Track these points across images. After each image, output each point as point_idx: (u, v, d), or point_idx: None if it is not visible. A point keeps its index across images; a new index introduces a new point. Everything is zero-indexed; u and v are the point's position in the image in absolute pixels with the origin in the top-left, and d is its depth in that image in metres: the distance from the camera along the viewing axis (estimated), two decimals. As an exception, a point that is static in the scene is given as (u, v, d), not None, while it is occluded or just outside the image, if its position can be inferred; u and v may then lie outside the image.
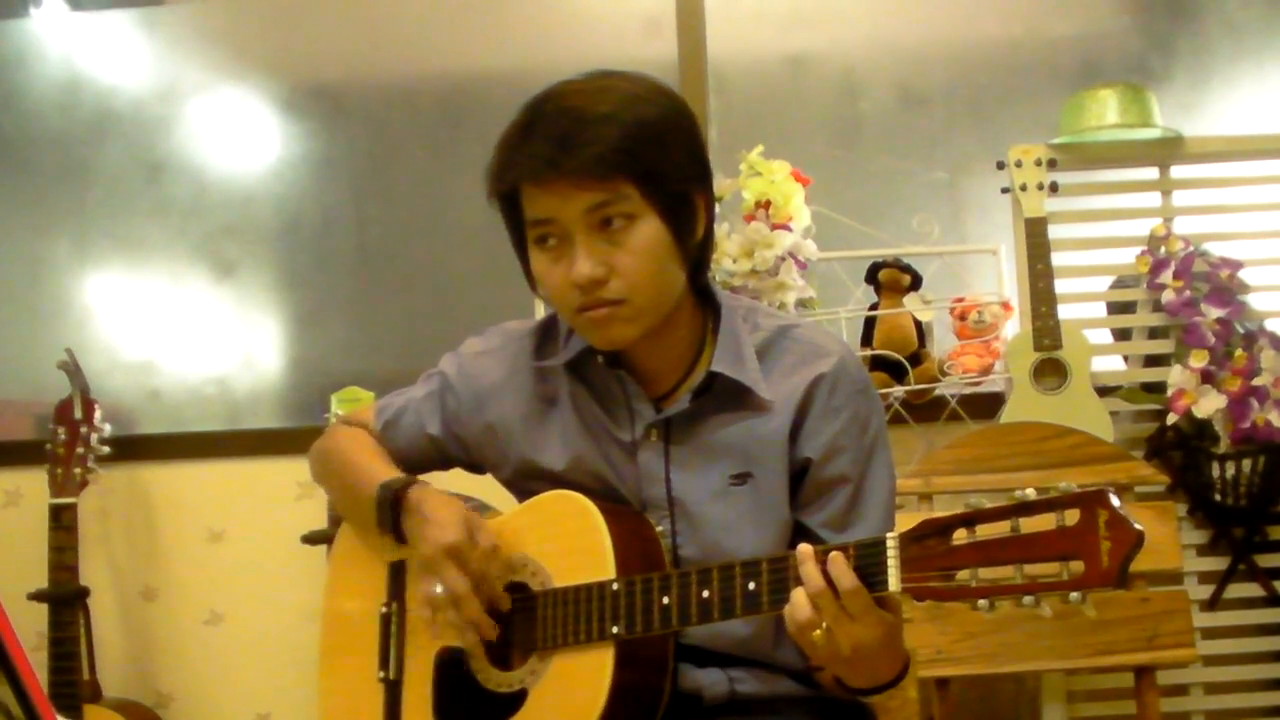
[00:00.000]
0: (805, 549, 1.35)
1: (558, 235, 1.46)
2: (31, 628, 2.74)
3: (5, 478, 3.04)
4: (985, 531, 1.24)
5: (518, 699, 1.52)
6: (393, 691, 1.64)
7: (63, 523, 2.73)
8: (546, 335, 1.66)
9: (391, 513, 1.59)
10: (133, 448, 2.98)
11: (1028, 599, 1.21)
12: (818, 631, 1.33)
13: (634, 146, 1.43)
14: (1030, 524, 1.21)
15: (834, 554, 1.32)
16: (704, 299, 1.59)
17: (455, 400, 1.68)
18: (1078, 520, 1.19)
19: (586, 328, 1.51)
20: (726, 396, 1.54)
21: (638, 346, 1.53)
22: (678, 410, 1.54)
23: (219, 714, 3.00)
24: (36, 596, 2.70)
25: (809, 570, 1.33)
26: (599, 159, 1.41)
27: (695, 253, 1.53)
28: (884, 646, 1.37)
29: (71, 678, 2.68)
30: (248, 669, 2.98)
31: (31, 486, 2.93)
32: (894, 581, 1.29)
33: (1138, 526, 1.17)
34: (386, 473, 1.64)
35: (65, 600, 2.71)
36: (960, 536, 1.25)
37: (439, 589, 1.52)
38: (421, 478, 1.65)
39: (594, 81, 1.48)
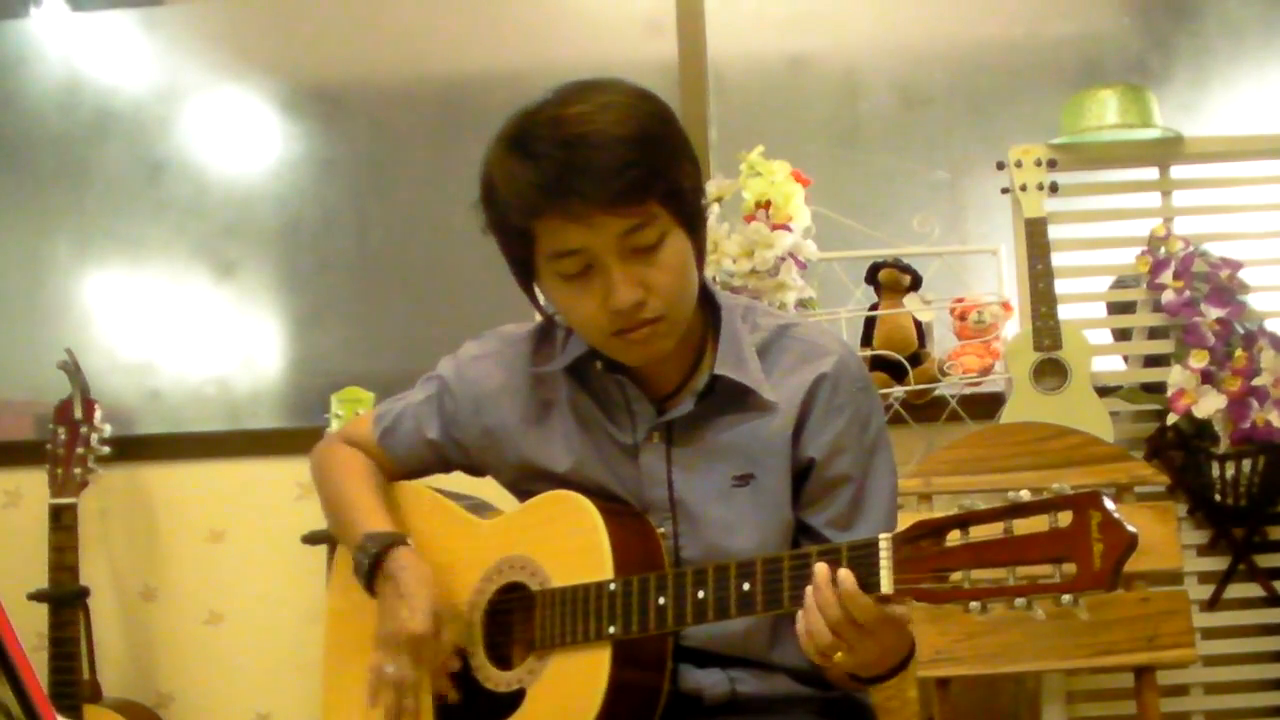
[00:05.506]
0: (822, 572, 1.32)
1: (586, 263, 1.42)
2: (31, 628, 2.74)
3: (5, 478, 3.05)
4: (979, 533, 1.23)
5: (516, 698, 1.53)
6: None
7: (63, 523, 2.73)
8: (543, 339, 1.65)
9: (368, 572, 1.57)
10: (133, 448, 2.98)
11: (1020, 601, 1.20)
12: (840, 654, 1.34)
13: (657, 165, 1.40)
14: (1023, 526, 1.21)
15: (842, 572, 1.30)
16: (703, 299, 1.57)
17: (453, 404, 1.68)
18: (1070, 522, 1.18)
19: (622, 348, 1.48)
20: (729, 398, 1.54)
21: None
22: (681, 413, 1.54)
23: (219, 714, 3.00)
24: (36, 596, 2.70)
25: (826, 598, 1.31)
26: (632, 185, 1.38)
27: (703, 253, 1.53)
28: (898, 640, 1.39)
29: (71, 678, 2.67)
30: (248, 669, 2.98)
31: (31, 486, 2.93)
32: (887, 583, 1.29)
33: (1130, 529, 1.16)
34: (373, 519, 1.63)
35: (65, 600, 2.71)
36: (954, 538, 1.25)
37: (390, 669, 1.53)
38: (418, 483, 1.65)
39: (587, 99, 1.41)
